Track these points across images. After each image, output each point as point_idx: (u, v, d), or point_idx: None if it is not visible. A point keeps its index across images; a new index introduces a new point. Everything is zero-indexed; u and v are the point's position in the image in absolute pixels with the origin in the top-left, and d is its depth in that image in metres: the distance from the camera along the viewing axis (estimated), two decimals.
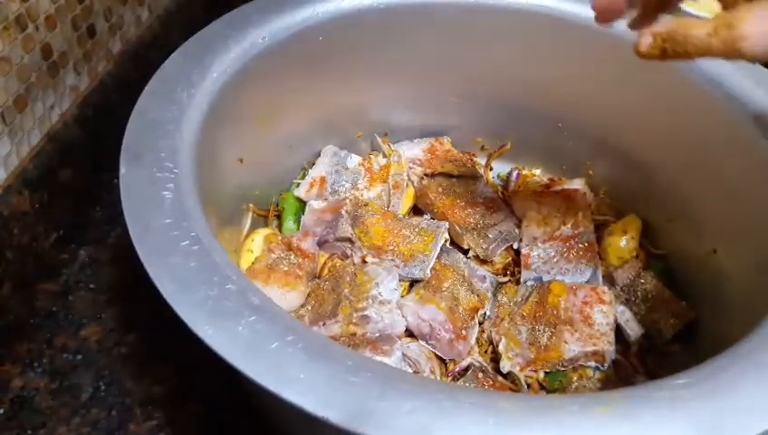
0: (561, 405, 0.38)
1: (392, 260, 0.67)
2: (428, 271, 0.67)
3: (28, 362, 0.67)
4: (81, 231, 0.80)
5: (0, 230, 0.68)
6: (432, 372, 0.62)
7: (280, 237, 0.69)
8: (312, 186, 0.75)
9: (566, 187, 0.77)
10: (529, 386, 0.63)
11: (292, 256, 0.66)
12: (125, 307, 0.73)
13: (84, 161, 0.81)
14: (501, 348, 0.64)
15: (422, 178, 0.79)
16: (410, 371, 0.61)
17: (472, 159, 0.83)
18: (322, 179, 0.75)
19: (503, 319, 0.66)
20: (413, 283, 0.68)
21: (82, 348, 0.69)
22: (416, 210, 0.79)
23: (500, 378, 0.63)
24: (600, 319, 0.64)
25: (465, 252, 0.72)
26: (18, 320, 0.70)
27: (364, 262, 0.67)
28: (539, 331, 0.64)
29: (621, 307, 0.67)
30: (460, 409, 0.37)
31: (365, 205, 0.72)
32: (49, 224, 0.76)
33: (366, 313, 0.62)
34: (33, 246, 0.74)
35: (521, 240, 0.74)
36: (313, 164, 0.77)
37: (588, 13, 0.70)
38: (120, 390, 0.66)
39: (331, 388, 0.37)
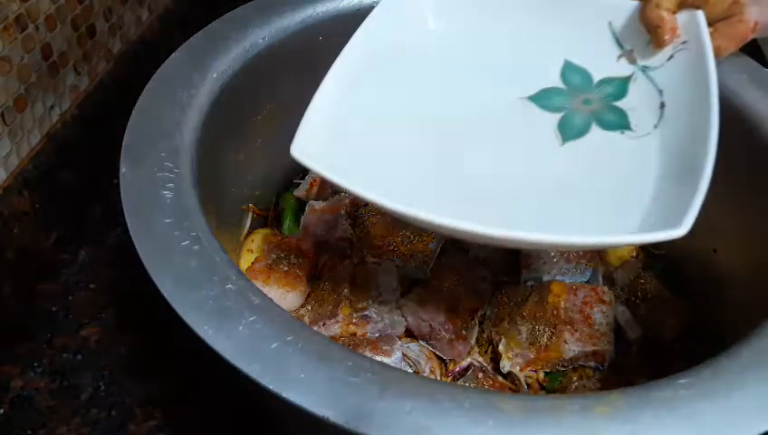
0: (561, 405, 0.38)
1: (392, 260, 0.67)
2: (428, 271, 0.67)
3: (28, 362, 0.67)
4: (81, 231, 0.80)
5: (0, 230, 0.68)
6: (432, 371, 0.62)
7: (280, 237, 0.69)
8: (312, 186, 0.75)
9: None
10: (529, 386, 0.63)
11: (292, 257, 0.66)
12: (125, 307, 0.73)
13: (84, 161, 0.81)
14: (501, 348, 0.64)
15: None
16: (410, 371, 0.61)
17: None
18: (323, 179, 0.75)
19: (503, 319, 0.66)
20: (413, 283, 0.68)
21: (82, 348, 0.69)
22: None
23: (500, 378, 0.63)
24: (600, 319, 0.64)
25: (466, 252, 0.72)
26: (18, 320, 0.70)
27: (364, 262, 0.67)
28: (539, 331, 0.64)
29: (621, 307, 0.67)
30: (460, 409, 0.37)
31: (365, 205, 0.72)
32: (49, 224, 0.76)
33: (366, 313, 0.62)
34: (33, 246, 0.74)
35: None
36: None
37: None
38: (120, 390, 0.66)
39: (331, 388, 0.38)
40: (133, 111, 0.54)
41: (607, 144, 0.56)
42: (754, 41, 0.82)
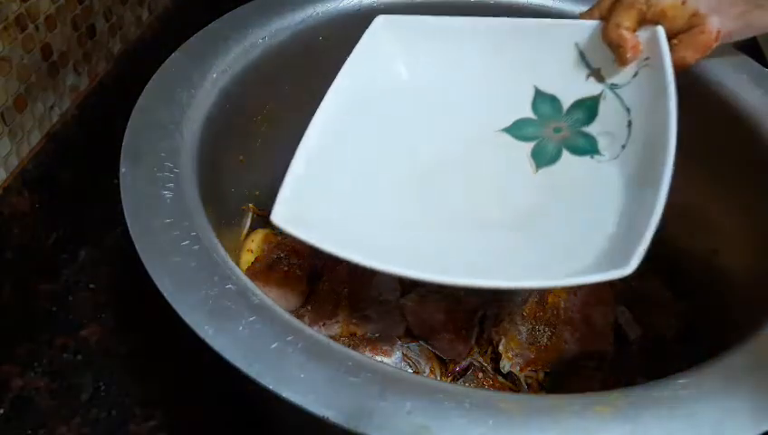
0: (560, 405, 0.38)
1: None
2: None
3: (28, 362, 0.67)
4: (81, 231, 0.80)
5: (0, 230, 0.68)
6: (432, 371, 0.62)
7: (280, 237, 0.69)
8: None
9: None
10: (529, 386, 0.63)
11: (292, 257, 0.66)
12: (125, 307, 0.73)
13: (84, 161, 0.81)
14: (501, 348, 0.64)
15: None
16: (410, 371, 0.61)
17: None
18: None
19: (503, 319, 0.66)
20: (413, 283, 0.68)
21: (82, 348, 0.69)
22: None
23: (500, 378, 0.63)
24: (600, 319, 0.64)
25: None
26: (18, 320, 0.70)
27: None
28: (539, 331, 0.64)
29: (621, 307, 0.67)
30: (460, 409, 0.37)
31: None
32: (49, 224, 0.76)
33: (366, 313, 0.62)
34: (33, 246, 0.74)
35: None
36: None
37: None
38: (120, 390, 0.66)
39: (331, 388, 0.37)
40: (133, 111, 0.54)
41: (577, 170, 0.57)
42: (754, 40, 0.82)
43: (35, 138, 0.74)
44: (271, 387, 0.37)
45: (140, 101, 0.55)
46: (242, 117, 0.64)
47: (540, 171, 0.59)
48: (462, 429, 0.36)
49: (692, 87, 0.64)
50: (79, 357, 0.68)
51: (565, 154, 0.59)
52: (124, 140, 0.51)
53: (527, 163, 0.59)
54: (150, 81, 0.57)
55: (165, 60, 0.59)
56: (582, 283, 0.44)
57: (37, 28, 0.72)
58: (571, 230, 0.52)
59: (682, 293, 0.68)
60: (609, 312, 0.65)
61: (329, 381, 0.38)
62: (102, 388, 0.66)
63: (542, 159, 0.59)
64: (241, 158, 0.66)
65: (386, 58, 0.62)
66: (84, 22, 0.81)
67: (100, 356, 0.68)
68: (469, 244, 0.53)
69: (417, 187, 0.58)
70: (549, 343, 0.63)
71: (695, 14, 0.54)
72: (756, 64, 0.64)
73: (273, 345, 0.39)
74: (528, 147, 0.60)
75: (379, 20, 0.62)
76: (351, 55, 0.59)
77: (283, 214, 0.48)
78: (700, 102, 0.64)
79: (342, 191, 0.54)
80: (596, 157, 0.57)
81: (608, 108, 0.58)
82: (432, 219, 0.56)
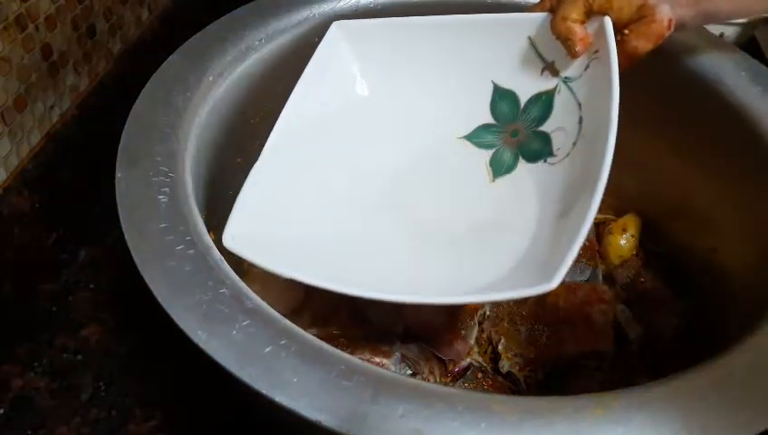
0: (554, 407, 0.38)
1: None
2: None
3: (28, 362, 0.67)
4: (81, 231, 0.80)
5: (0, 230, 0.69)
6: (431, 372, 0.62)
7: None
8: None
9: None
10: (528, 386, 0.63)
11: None
12: (125, 307, 0.73)
13: (84, 161, 0.81)
14: (501, 348, 0.64)
15: None
16: (409, 371, 0.61)
17: None
18: None
19: (503, 319, 0.66)
20: None
21: (82, 348, 0.69)
22: None
23: (499, 378, 0.63)
24: (600, 318, 0.64)
25: None
26: (18, 320, 0.70)
27: None
28: (538, 331, 0.64)
29: (621, 306, 0.67)
30: (453, 412, 0.37)
31: None
32: (49, 224, 0.76)
33: (365, 313, 0.62)
34: (33, 246, 0.74)
35: None
36: None
37: None
38: (119, 390, 0.66)
39: (325, 392, 0.38)
40: (130, 115, 0.54)
41: (530, 178, 0.58)
42: (754, 39, 0.81)
43: (35, 138, 0.75)
44: (264, 391, 0.37)
45: (137, 104, 0.55)
46: (239, 119, 0.64)
47: (496, 180, 0.59)
48: (455, 432, 0.36)
49: (690, 84, 0.64)
50: (79, 357, 0.68)
51: (521, 163, 0.59)
52: (120, 144, 0.51)
53: (485, 172, 0.60)
54: (147, 84, 0.57)
55: (165, 60, 0.59)
56: (512, 297, 0.45)
57: (37, 28, 0.72)
58: (508, 244, 0.53)
59: (682, 292, 0.68)
60: (608, 310, 0.64)
61: (322, 384, 0.38)
62: (102, 388, 0.66)
63: (500, 168, 0.60)
64: (239, 160, 0.65)
65: (341, 69, 0.62)
66: (84, 22, 0.81)
67: (100, 356, 0.68)
68: (420, 259, 0.54)
69: (377, 201, 0.59)
70: (548, 342, 0.63)
71: (643, 5, 0.53)
72: (755, 62, 0.63)
73: (267, 349, 0.39)
74: (487, 155, 0.61)
75: (333, 28, 0.61)
76: (306, 69, 0.59)
77: (233, 237, 0.48)
78: (699, 100, 0.64)
79: (296, 210, 0.55)
80: (549, 159, 0.57)
81: (562, 103, 0.58)
82: (388, 236, 0.57)
